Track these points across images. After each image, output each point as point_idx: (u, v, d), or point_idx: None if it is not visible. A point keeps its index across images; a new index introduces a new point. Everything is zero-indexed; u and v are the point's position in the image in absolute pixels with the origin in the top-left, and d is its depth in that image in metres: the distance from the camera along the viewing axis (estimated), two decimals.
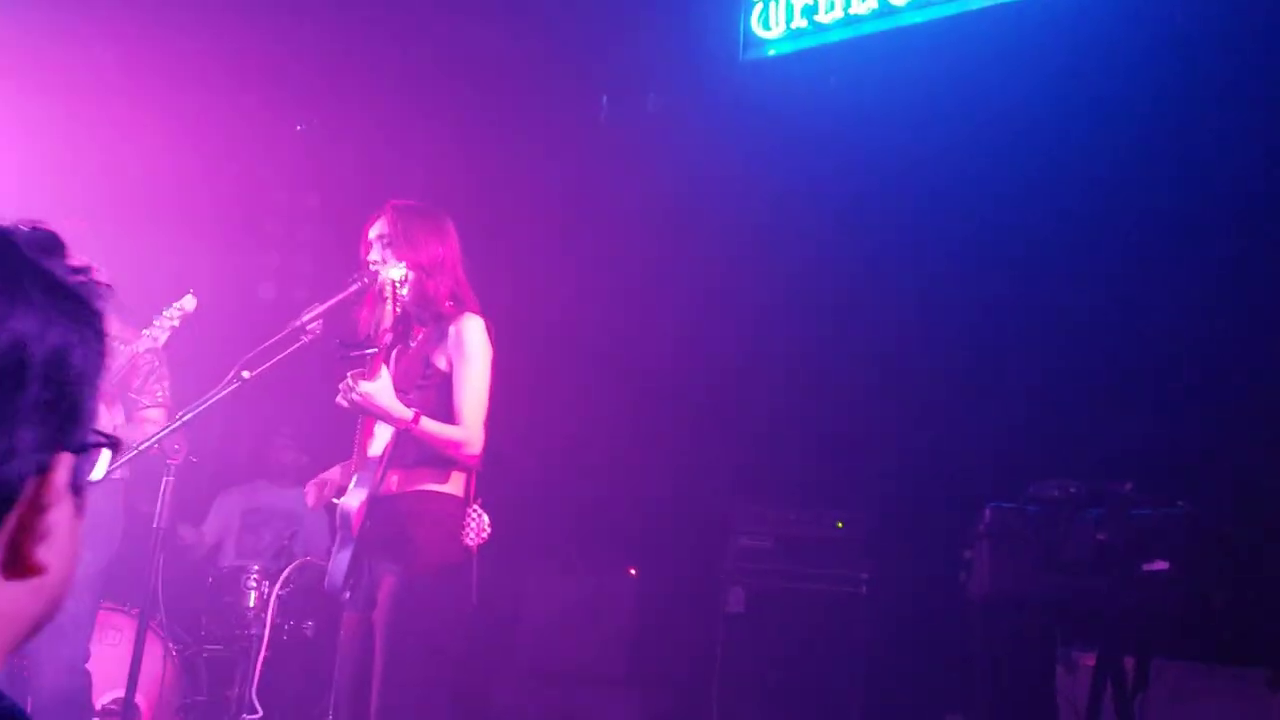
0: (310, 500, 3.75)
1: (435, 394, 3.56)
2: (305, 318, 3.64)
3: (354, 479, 3.56)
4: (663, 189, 5.82)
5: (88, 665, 4.41)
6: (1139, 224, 4.66)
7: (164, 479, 3.59)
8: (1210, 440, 4.20)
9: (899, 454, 5.08)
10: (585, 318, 5.88)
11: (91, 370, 0.93)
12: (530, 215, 6.01)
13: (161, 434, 3.56)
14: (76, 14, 5.72)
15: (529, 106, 6.25)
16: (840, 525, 5.10)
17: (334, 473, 3.76)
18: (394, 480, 3.53)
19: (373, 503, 3.49)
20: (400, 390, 3.43)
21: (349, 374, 3.36)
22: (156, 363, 4.59)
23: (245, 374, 3.55)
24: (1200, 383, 4.36)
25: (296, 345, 3.64)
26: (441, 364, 3.59)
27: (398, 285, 3.47)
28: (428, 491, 3.52)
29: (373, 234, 3.73)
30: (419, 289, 3.60)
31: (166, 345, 4.54)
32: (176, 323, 4.28)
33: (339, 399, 3.38)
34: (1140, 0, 4.79)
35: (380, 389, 3.35)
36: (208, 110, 6.18)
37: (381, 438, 3.54)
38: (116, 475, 4.24)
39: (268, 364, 3.60)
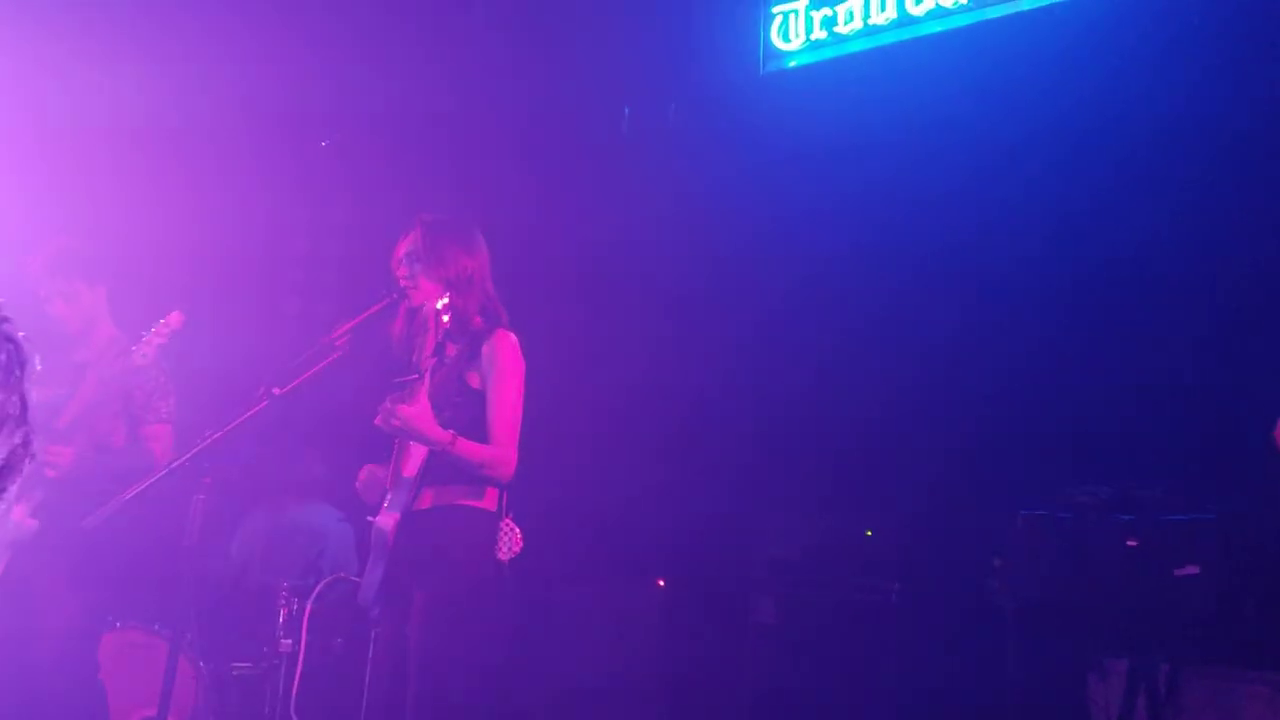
0: (362, 479, 3.76)
1: (469, 411, 3.59)
2: (334, 334, 3.67)
3: (389, 497, 3.58)
4: (685, 201, 5.84)
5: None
6: (1168, 224, 4.65)
7: (194, 498, 3.60)
8: (1239, 443, 4.17)
9: (927, 461, 5.06)
10: (609, 327, 5.89)
11: None
12: (553, 227, 6.02)
13: (192, 453, 3.57)
14: (98, 25, 5.77)
15: (552, 119, 6.27)
16: (869, 534, 5.09)
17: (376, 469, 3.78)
18: (428, 496, 3.55)
19: (406, 519, 3.51)
20: (435, 408, 3.46)
21: (388, 398, 3.39)
22: (162, 379, 4.62)
23: (275, 391, 3.57)
24: (1229, 386, 4.34)
25: (325, 361, 3.67)
26: (474, 382, 3.61)
27: (441, 315, 3.50)
28: (460, 506, 3.55)
29: (402, 250, 3.76)
30: (455, 302, 3.62)
31: (163, 360, 4.58)
32: (164, 339, 4.28)
33: (378, 422, 3.41)
34: (1159, 8, 4.78)
35: (419, 413, 3.39)
36: (230, 124, 6.23)
37: (416, 456, 3.57)
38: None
39: (297, 380, 3.63)
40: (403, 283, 3.72)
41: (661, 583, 5.54)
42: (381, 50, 6.29)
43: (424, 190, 6.05)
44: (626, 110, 6.24)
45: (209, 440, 3.61)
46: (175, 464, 3.61)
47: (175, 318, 4.26)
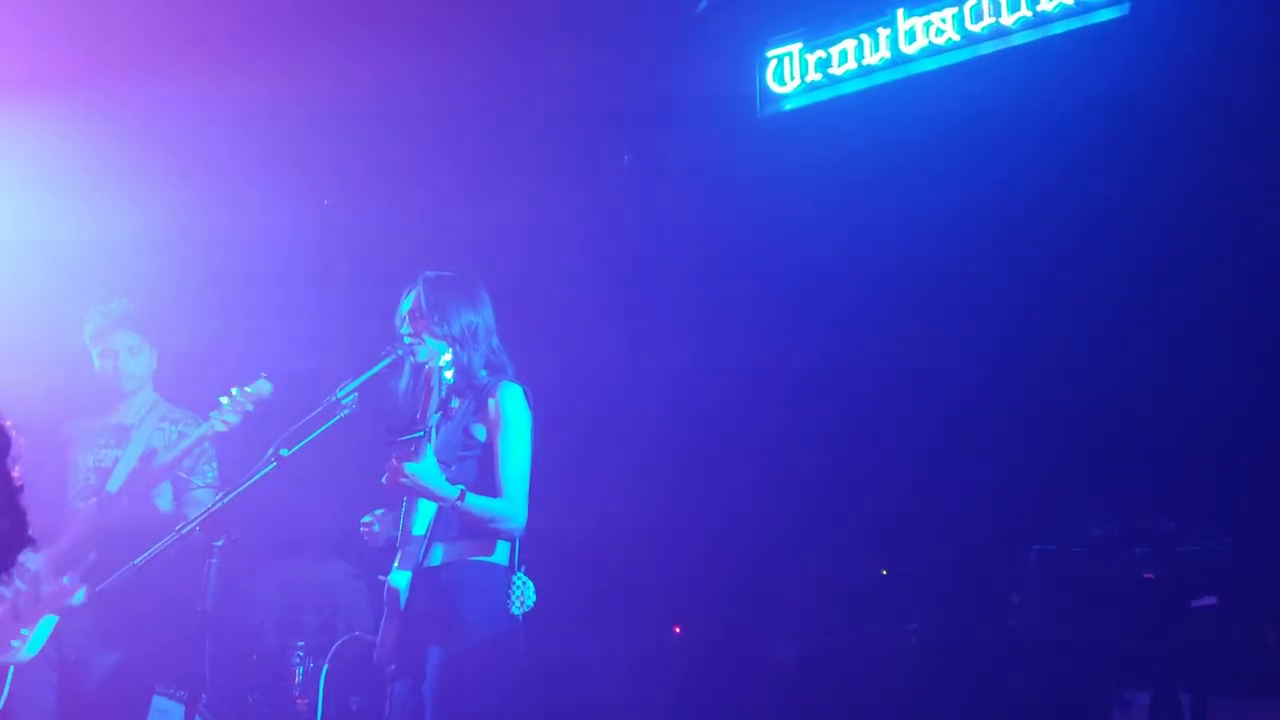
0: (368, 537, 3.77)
1: (477, 465, 3.60)
2: (340, 393, 3.69)
3: (399, 555, 3.58)
4: (687, 246, 5.86)
5: None
6: (1164, 256, 4.65)
7: (208, 561, 3.60)
8: (1249, 471, 4.15)
9: (940, 499, 5.04)
10: (616, 375, 5.89)
11: None
12: (557, 277, 6.04)
13: (200, 517, 3.58)
14: (100, 92, 5.86)
15: (552, 168, 6.31)
16: (885, 573, 5.06)
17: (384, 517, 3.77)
18: (439, 553, 3.55)
19: (418, 576, 3.51)
20: (442, 463, 3.47)
21: (394, 455, 3.40)
22: (207, 444, 4.68)
23: (284, 452, 3.58)
24: (1238, 414, 4.32)
25: (333, 420, 3.69)
26: (481, 435, 3.62)
27: (443, 372, 3.52)
28: (472, 562, 3.55)
29: (406, 306, 3.78)
30: (459, 359, 3.64)
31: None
32: (251, 408, 4.31)
33: (384, 480, 3.42)
34: (1152, 40, 4.80)
35: (426, 470, 3.39)
36: (235, 184, 6.29)
37: (425, 513, 3.57)
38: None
39: (305, 440, 3.65)
40: (407, 339, 3.74)
41: (678, 630, 5.52)
42: (382, 106, 6.34)
43: (428, 243, 6.08)
44: (626, 158, 6.28)
45: (218, 503, 3.63)
46: (185, 528, 3.63)
47: (264, 385, 4.30)
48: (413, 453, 3.38)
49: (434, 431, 3.67)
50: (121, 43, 5.80)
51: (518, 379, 3.78)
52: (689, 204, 5.98)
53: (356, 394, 3.70)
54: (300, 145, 6.42)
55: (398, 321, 3.81)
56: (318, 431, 3.69)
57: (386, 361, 3.75)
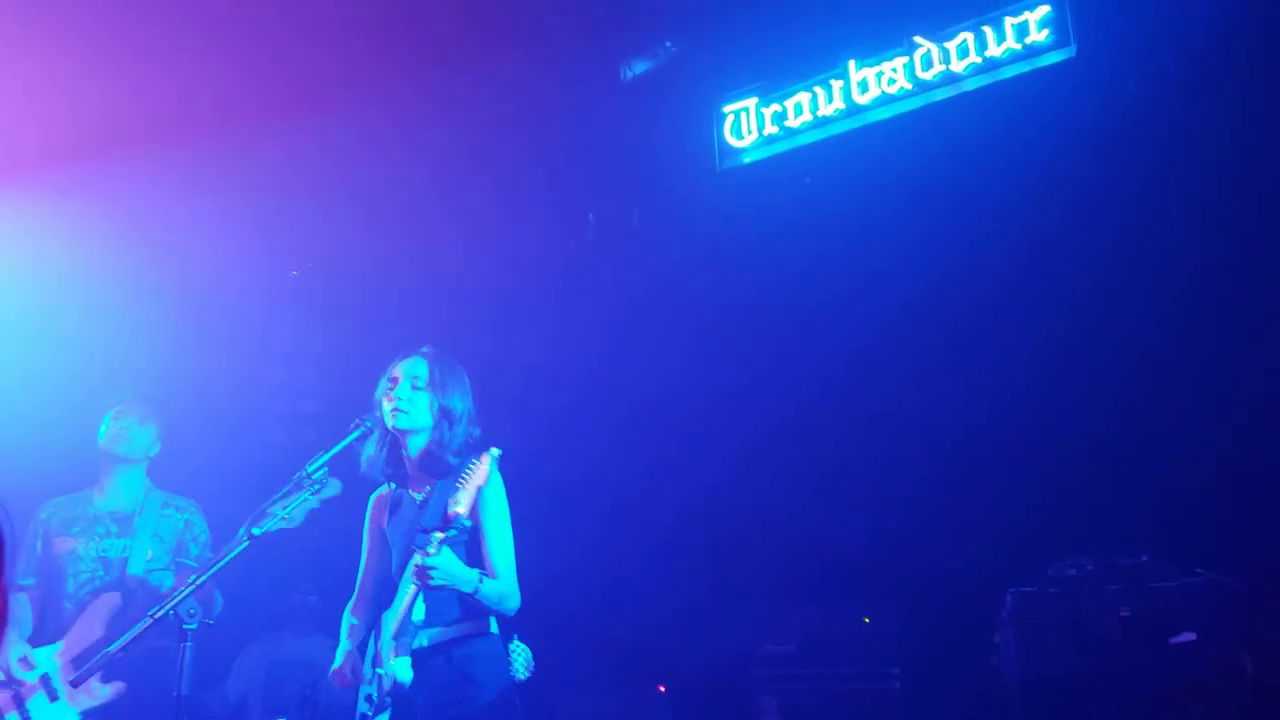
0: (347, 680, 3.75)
1: (465, 550, 3.64)
2: (310, 467, 3.68)
3: (393, 646, 3.58)
4: (650, 302, 5.89)
5: None
6: (1120, 296, 4.70)
7: (181, 645, 3.56)
8: (1222, 503, 4.18)
9: (917, 544, 5.04)
10: (587, 433, 5.88)
11: None
12: (523, 336, 6.05)
13: (175, 600, 3.53)
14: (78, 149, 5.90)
15: (518, 232, 6.34)
16: (867, 620, 5.04)
17: (350, 635, 3.78)
18: (436, 636, 3.58)
19: (420, 659, 3.54)
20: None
21: (417, 554, 3.45)
22: (207, 533, 4.92)
23: (255, 531, 3.56)
24: (1208, 448, 4.35)
25: (304, 495, 3.68)
26: (463, 514, 3.62)
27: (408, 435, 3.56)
28: (473, 635, 3.63)
29: (406, 371, 3.78)
30: (439, 437, 3.68)
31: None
32: (317, 505, 4.17)
33: (414, 580, 3.47)
34: (1098, 80, 4.89)
35: (447, 560, 3.46)
36: (209, 255, 6.31)
37: (418, 603, 3.58)
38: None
39: (277, 518, 3.62)
40: (398, 404, 3.74)
41: (663, 689, 5.47)
42: (348, 174, 6.38)
43: (395, 311, 6.09)
44: (590, 216, 6.32)
45: (191, 586, 3.58)
46: (159, 612, 3.57)
47: (335, 485, 3.98)
48: (433, 548, 3.42)
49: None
50: (87, 128, 5.86)
51: (491, 445, 3.78)
52: (653, 260, 6.02)
53: (327, 468, 3.69)
54: (272, 219, 6.45)
55: (387, 384, 3.82)
56: (290, 508, 3.67)
57: (356, 434, 3.76)
